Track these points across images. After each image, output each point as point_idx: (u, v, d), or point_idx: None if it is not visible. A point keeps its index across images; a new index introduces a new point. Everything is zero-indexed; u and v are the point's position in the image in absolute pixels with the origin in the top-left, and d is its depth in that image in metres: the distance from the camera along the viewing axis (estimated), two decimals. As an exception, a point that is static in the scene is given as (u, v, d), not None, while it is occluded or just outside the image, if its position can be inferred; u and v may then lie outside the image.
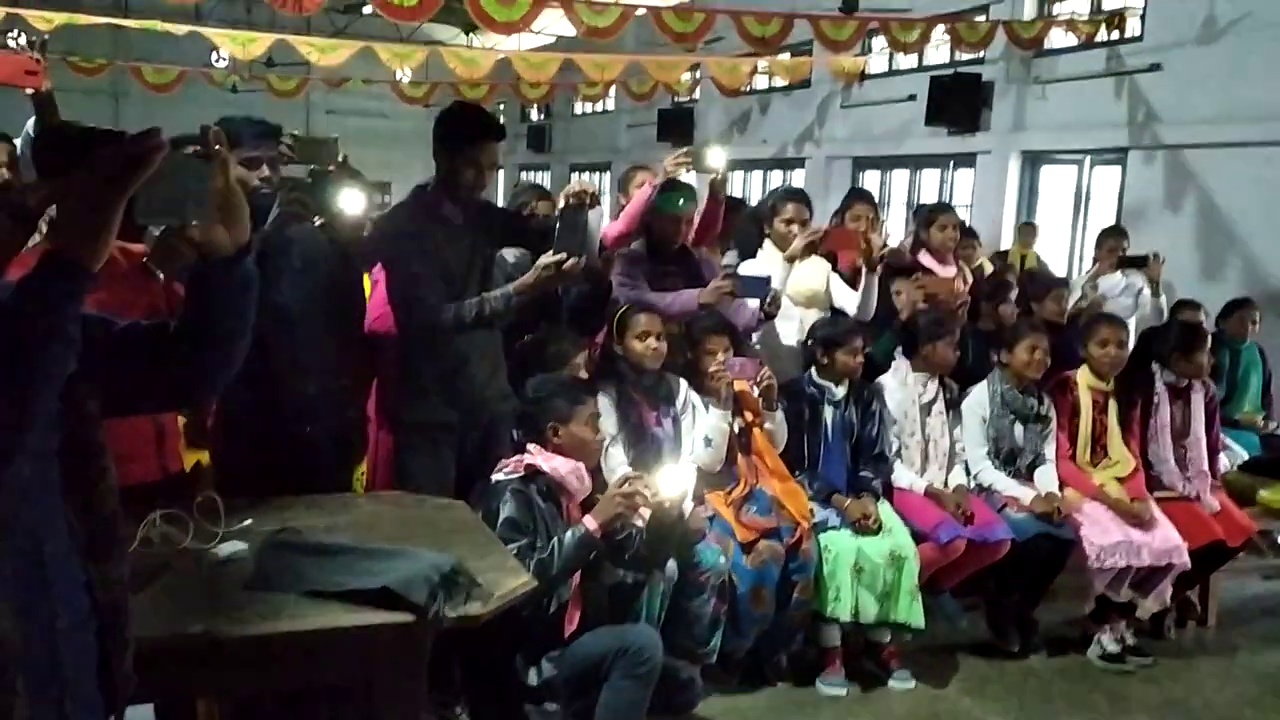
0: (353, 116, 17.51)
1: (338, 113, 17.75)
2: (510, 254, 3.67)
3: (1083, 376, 4.15)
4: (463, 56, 10.14)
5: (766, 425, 3.71)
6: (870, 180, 11.97)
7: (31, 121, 3.29)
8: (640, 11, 7.87)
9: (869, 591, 3.57)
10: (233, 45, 10.09)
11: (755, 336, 4.06)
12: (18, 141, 3.35)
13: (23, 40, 2.94)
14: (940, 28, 8.80)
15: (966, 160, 10.51)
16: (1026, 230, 8.72)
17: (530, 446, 2.99)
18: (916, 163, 11.28)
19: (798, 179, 13.11)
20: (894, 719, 3.51)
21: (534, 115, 19.78)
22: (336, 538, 2.31)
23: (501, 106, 17.84)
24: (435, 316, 3.09)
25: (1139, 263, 5.53)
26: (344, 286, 3.08)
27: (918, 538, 3.73)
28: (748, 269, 4.04)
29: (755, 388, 3.63)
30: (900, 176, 11.61)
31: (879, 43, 10.85)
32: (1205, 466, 4.23)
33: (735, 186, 14.39)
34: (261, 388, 2.80)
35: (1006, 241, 9.36)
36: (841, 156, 12.14)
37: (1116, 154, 8.91)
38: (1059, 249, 9.30)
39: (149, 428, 2.58)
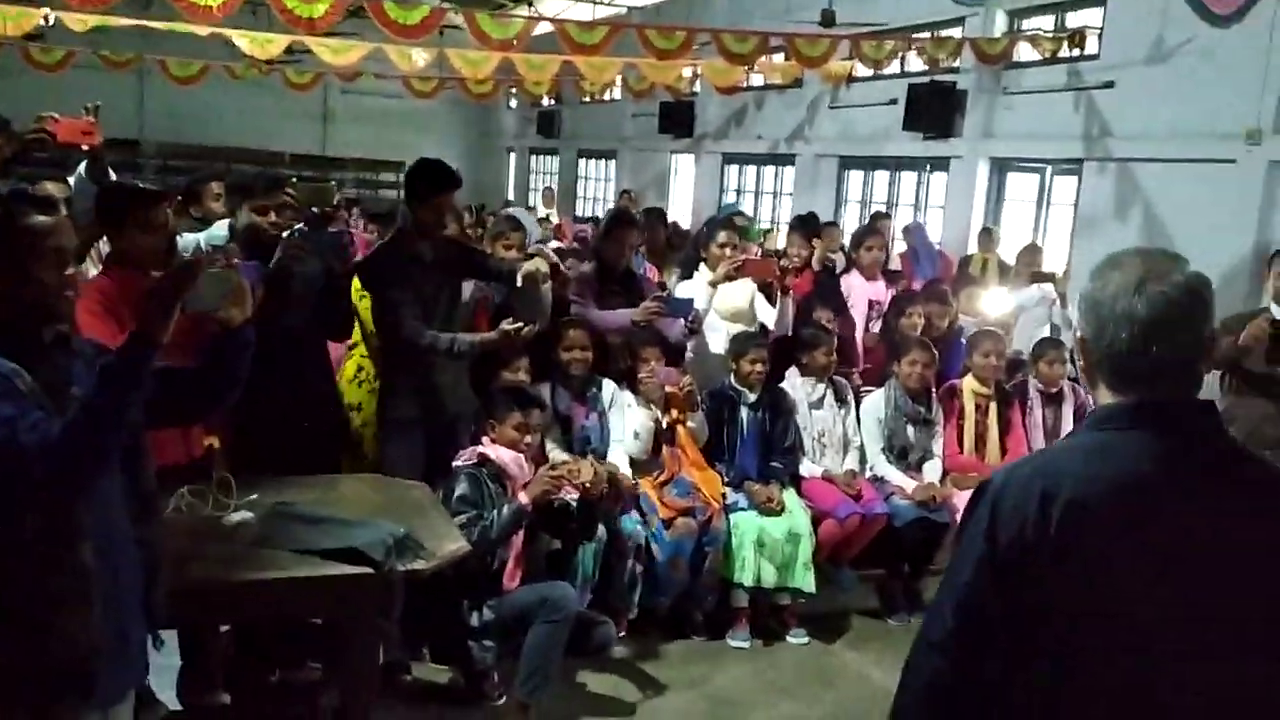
0: (368, 96, 17.92)
1: (353, 93, 18.10)
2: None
3: (967, 383, 4.86)
4: (468, 58, 10.80)
5: (689, 423, 4.44)
6: (854, 180, 12.60)
7: (83, 166, 4.03)
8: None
9: (769, 562, 4.31)
10: (251, 45, 10.78)
11: (690, 346, 4.78)
12: (71, 179, 4.09)
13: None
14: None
15: (941, 164, 11.11)
16: (984, 236, 9.27)
17: (484, 439, 3.73)
18: (897, 164, 11.87)
19: (788, 175, 13.76)
20: (787, 668, 4.23)
21: (545, 101, 20.21)
22: (320, 510, 3.05)
23: (514, 91, 18.26)
24: (416, 336, 3.81)
25: (1049, 278, 6.18)
26: (336, 311, 3.81)
27: (820, 518, 4.47)
28: (683, 289, 4.76)
29: (680, 391, 4.36)
30: (881, 177, 12.21)
31: (862, 49, 11.43)
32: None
33: (732, 179, 15.04)
34: (269, 391, 3.54)
35: (974, 242, 9.97)
36: (829, 155, 12.73)
37: (1073, 164, 9.51)
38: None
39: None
